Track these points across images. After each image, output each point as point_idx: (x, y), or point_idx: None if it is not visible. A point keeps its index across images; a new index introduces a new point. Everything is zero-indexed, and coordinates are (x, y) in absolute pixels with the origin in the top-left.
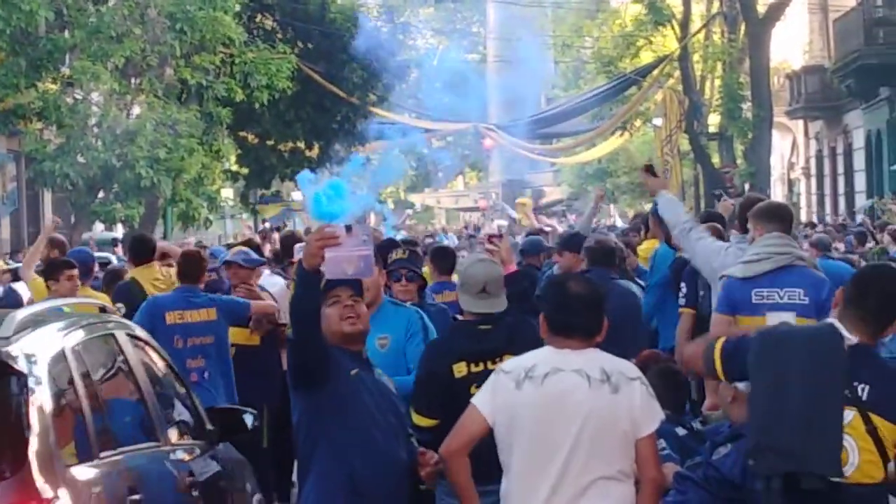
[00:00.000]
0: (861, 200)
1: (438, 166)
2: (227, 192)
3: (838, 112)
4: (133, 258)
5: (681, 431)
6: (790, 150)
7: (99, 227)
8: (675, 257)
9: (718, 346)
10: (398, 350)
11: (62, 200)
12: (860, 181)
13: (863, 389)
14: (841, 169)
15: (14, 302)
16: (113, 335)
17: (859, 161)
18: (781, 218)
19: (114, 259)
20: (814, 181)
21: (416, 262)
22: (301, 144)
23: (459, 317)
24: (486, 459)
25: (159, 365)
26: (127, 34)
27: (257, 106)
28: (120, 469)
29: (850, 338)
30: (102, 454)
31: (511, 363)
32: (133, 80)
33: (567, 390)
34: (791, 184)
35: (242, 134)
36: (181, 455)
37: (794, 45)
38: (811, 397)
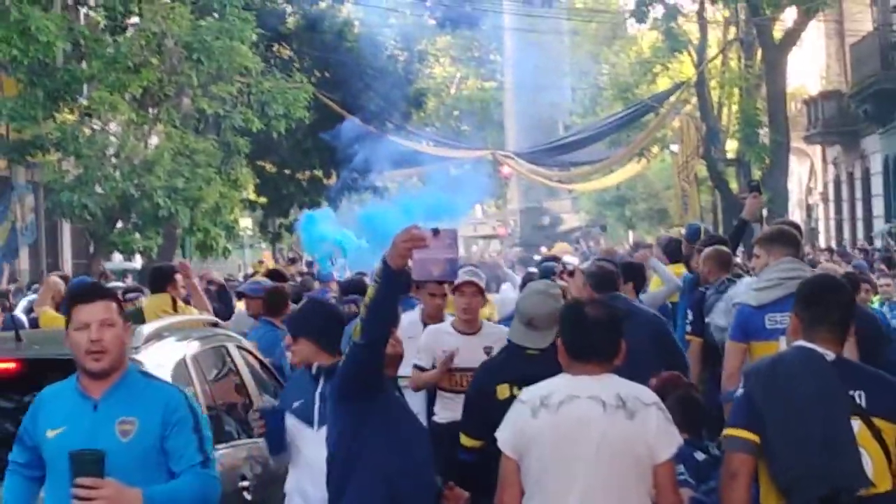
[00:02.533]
0: (879, 225)
1: (456, 195)
2: (246, 222)
3: (856, 137)
4: (149, 287)
5: (700, 456)
6: (808, 175)
7: (117, 257)
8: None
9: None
10: (149, 444)
11: (80, 231)
12: (878, 206)
13: (860, 396)
14: (859, 194)
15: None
16: (224, 346)
17: (877, 186)
18: (790, 242)
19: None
20: (832, 206)
21: None
22: (319, 173)
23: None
24: None
25: (263, 372)
26: (144, 64)
27: (275, 135)
28: (233, 459)
29: (828, 353)
30: (218, 446)
31: (527, 392)
32: (151, 110)
33: (582, 417)
34: (809, 209)
35: (260, 163)
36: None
37: (810, 70)
38: (823, 417)
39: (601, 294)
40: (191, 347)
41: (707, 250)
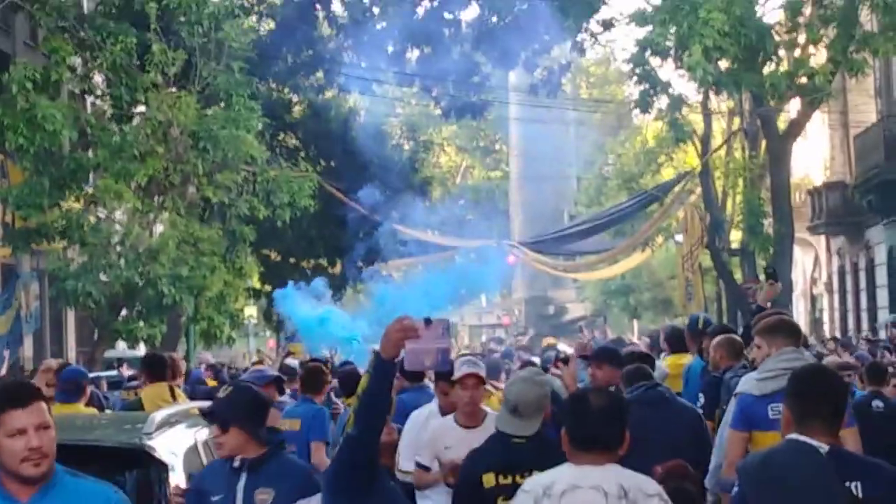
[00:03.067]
0: (884, 316)
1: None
2: (250, 310)
3: (860, 228)
4: (146, 377)
5: None
6: (812, 265)
7: (121, 345)
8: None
9: None
10: None
11: (85, 319)
12: (883, 296)
13: (856, 487)
14: (863, 284)
15: None
16: None
17: (882, 276)
18: (791, 332)
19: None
20: (836, 297)
21: None
22: (323, 262)
23: None
24: None
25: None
26: (150, 153)
27: (280, 224)
28: None
29: (822, 445)
30: None
31: (530, 482)
32: (156, 199)
33: None
34: (814, 299)
35: (265, 251)
36: None
37: (815, 161)
38: None
39: (636, 385)
40: (201, 434)
41: (718, 338)
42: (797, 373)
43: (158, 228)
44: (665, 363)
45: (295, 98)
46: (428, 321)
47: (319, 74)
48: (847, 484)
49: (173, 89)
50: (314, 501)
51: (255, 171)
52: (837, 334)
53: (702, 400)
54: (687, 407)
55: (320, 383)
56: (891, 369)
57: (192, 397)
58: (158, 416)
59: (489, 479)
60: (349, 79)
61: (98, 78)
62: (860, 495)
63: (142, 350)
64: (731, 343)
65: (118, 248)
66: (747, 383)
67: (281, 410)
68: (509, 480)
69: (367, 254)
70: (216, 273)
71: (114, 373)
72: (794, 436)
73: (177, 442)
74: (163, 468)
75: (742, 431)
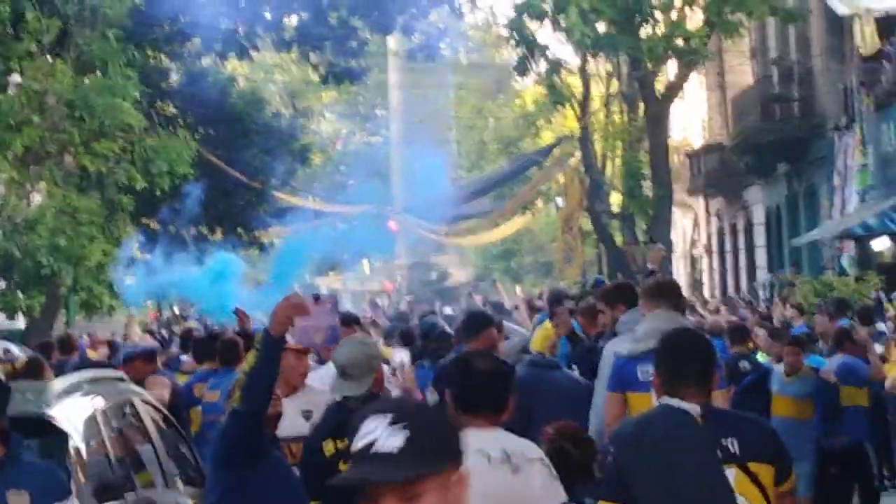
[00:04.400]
0: (762, 276)
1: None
2: (131, 280)
3: (738, 189)
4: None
5: None
6: (692, 227)
7: (0, 316)
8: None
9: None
10: None
11: None
12: (761, 257)
13: (732, 443)
14: (742, 245)
15: None
16: (131, 400)
17: (760, 237)
18: (668, 295)
19: (14, 349)
20: (716, 258)
21: None
22: (204, 230)
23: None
24: None
25: (164, 423)
26: (26, 122)
27: (159, 192)
28: None
29: (693, 406)
30: (126, 495)
31: None
32: (32, 168)
33: (466, 470)
34: (694, 261)
35: (144, 221)
36: (183, 497)
37: (693, 123)
38: (694, 476)
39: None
40: (98, 402)
41: (581, 304)
42: (664, 338)
43: (36, 199)
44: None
45: (172, 66)
46: (317, 297)
47: (196, 41)
48: (723, 441)
49: (48, 58)
50: None
51: (133, 139)
52: (718, 295)
53: (576, 371)
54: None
55: (237, 354)
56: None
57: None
58: (58, 385)
59: (328, 447)
60: (226, 45)
61: None
62: (737, 451)
63: (21, 322)
64: (592, 309)
65: None
66: (620, 344)
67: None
68: (345, 443)
69: (247, 221)
70: (95, 243)
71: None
72: (665, 400)
73: (76, 411)
74: (63, 436)
75: (616, 393)
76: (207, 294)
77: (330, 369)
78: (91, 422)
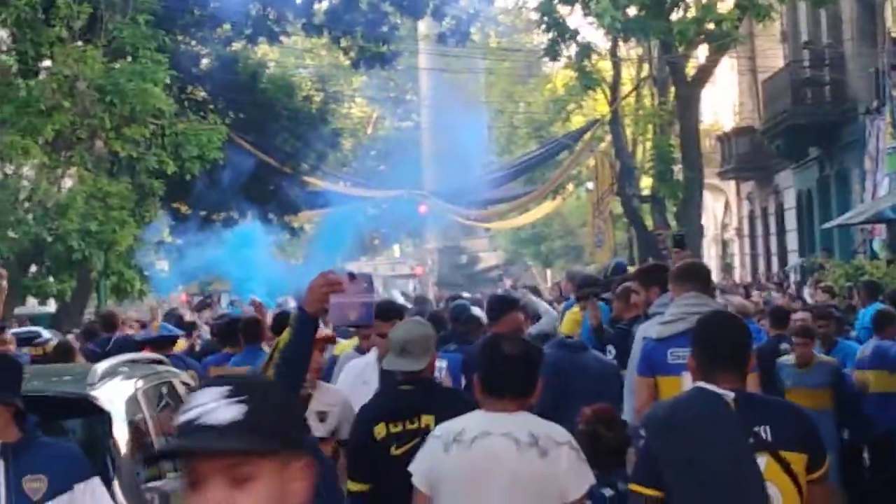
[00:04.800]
0: (793, 259)
1: (375, 234)
2: (162, 264)
3: (769, 172)
4: None
5: (608, 492)
6: (723, 210)
7: (31, 301)
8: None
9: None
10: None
11: None
12: (792, 240)
13: (765, 431)
14: (773, 229)
15: None
16: (170, 381)
17: (791, 221)
18: (697, 278)
19: (45, 333)
20: (747, 241)
21: None
22: (235, 214)
23: None
24: None
25: None
26: (56, 108)
27: (189, 177)
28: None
29: (727, 392)
30: (169, 474)
31: (442, 427)
32: (63, 154)
33: (495, 454)
34: (725, 244)
35: (175, 205)
36: None
37: (724, 106)
38: (725, 462)
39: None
40: (139, 384)
41: (619, 289)
42: (701, 321)
43: (67, 184)
44: (573, 310)
45: (203, 50)
46: (352, 275)
47: (227, 26)
48: (756, 428)
49: (79, 43)
50: (94, 485)
51: (164, 124)
52: (749, 279)
53: (612, 353)
54: (601, 357)
55: (260, 332)
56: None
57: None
58: (101, 367)
59: (380, 430)
60: (256, 30)
61: (2, 33)
62: (769, 438)
63: (52, 306)
64: (624, 293)
65: (26, 205)
66: (650, 328)
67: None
68: (399, 428)
69: (278, 205)
70: (126, 227)
71: (36, 328)
72: (699, 384)
73: (118, 392)
74: (106, 417)
75: (647, 377)
76: (234, 268)
77: (370, 359)
78: (132, 402)
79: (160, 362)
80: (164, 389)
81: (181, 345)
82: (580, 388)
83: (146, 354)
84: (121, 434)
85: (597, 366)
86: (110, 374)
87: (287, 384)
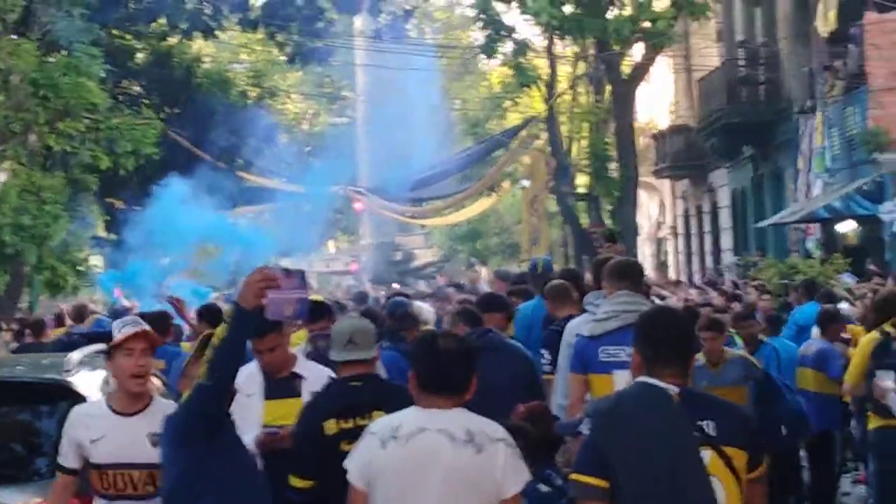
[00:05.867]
0: (728, 258)
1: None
2: (96, 259)
3: (704, 171)
4: None
5: (543, 488)
6: (658, 209)
7: None
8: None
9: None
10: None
11: None
12: (727, 239)
13: (709, 425)
14: (708, 227)
15: None
16: None
17: (725, 219)
18: (630, 276)
19: None
20: (681, 240)
21: None
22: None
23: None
24: None
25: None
26: None
27: (123, 172)
28: None
29: (671, 387)
30: None
31: (378, 423)
32: None
33: (430, 450)
34: (659, 243)
35: (109, 200)
36: None
37: (659, 105)
38: (670, 455)
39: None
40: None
41: (547, 286)
42: (644, 316)
43: (0, 178)
44: None
45: (138, 45)
46: (287, 271)
47: (162, 20)
48: (700, 422)
49: (13, 37)
50: None
51: (98, 118)
52: (683, 277)
53: (546, 356)
54: (518, 352)
55: (167, 327)
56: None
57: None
58: (75, 356)
59: (330, 426)
60: (192, 24)
61: None
62: (713, 433)
63: None
64: (553, 290)
65: None
66: (582, 325)
67: None
68: (350, 424)
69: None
70: (59, 222)
71: None
72: (643, 378)
73: (92, 379)
74: (82, 402)
75: (579, 374)
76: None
77: (252, 368)
78: (105, 388)
79: None
80: None
81: None
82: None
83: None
84: None
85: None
86: (84, 362)
87: (221, 379)
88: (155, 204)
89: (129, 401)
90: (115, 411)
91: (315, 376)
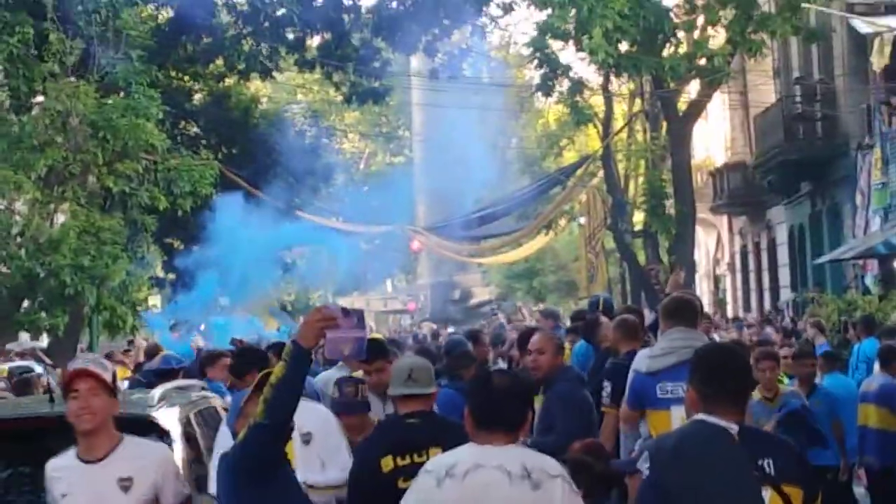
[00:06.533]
0: (786, 295)
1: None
2: (155, 300)
3: (761, 207)
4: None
5: None
6: (715, 245)
7: (24, 336)
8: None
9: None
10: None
11: None
12: (784, 276)
13: (768, 465)
14: (765, 264)
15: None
16: (212, 405)
17: (783, 255)
18: (684, 312)
19: (37, 368)
20: (739, 276)
21: None
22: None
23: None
24: None
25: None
26: (49, 143)
27: (181, 213)
28: None
29: (731, 425)
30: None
31: (433, 462)
32: (56, 189)
33: (487, 487)
34: (717, 279)
35: (168, 240)
36: None
37: (716, 141)
38: (733, 495)
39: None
40: (187, 410)
41: (618, 320)
42: (700, 352)
43: (59, 219)
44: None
45: (195, 86)
46: (345, 311)
47: (219, 62)
48: (759, 461)
49: (72, 79)
50: None
51: (156, 159)
52: (741, 314)
53: (608, 388)
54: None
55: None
56: (784, 349)
57: None
58: (157, 391)
59: (387, 463)
60: (249, 65)
61: None
62: (772, 472)
63: (45, 341)
64: (623, 324)
65: (18, 239)
66: (640, 361)
67: None
68: (408, 461)
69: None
70: (118, 263)
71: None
72: (701, 416)
73: (174, 413)
74: (166, 435)
75: (635, 410)
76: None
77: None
78: (186, 423)
79: (203, 388)
80: (209, 412)
81: None
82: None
83: (191, 382)
84: (179, 452)
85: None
86: (166, 397)
87: (278, 417)
88: (214, 235)
89: (90, 446)
90: (81, 459)
91: (306, 417)
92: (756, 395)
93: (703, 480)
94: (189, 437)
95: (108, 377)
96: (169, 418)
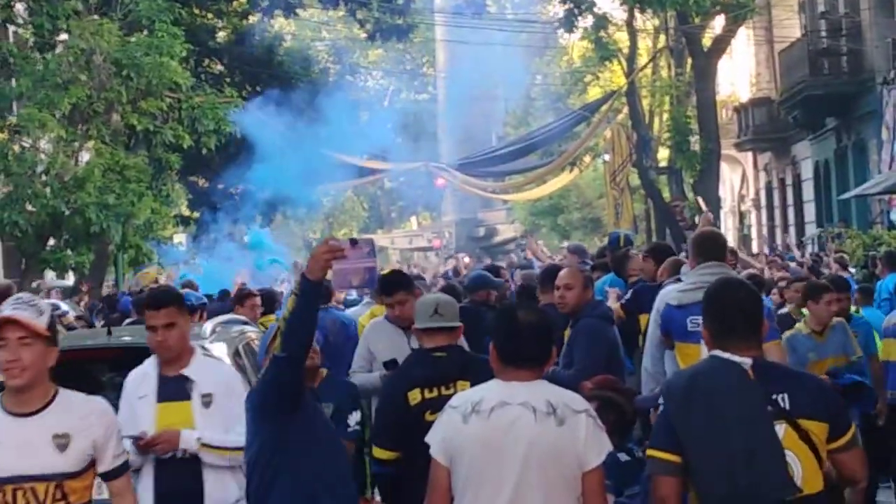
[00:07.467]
0: (811, 230)
1: (391, 207)
2: (179, 237)
3: (786, 143)
4: None
5: (623, 458)
6: (740, 182)
7: (49, 274)
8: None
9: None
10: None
11: (12, 249)
12: (809, 212)
13: (783, 399)
14: (790, 200)
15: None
16: (252, 338)
17: (808, 192)
18: (714, 247)
19: (63, 306)
20: (764, 213)
21: None
22: (252, 187)
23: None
24: None
25: None
26: (73, 81)
27: (205, 150)
28: None
29: (744, 360)
30: None
31: (459, 398)
32: (80, 127)
33: (513, 423)
34: (742, 216)
35: (192, 178)
36: None
37: (741, 77)
38: (744, 431)
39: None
40: (236, 342)
41: (668, 260)
42: (708, 290)
43: (84, 157)
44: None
45: (219, 23)
46: (354, 241)
47: None
48: (774, 396)
49: (95, 17)
50: None
51: (180, 97)
52: (766, 250)
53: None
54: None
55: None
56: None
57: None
58: (209, 325)
59: (415, 395)
60: (273, 3)
61: (19, 6)
62: (787, 406)
63: (70, 279)
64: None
65: (44, 178)
66: (669, 294)
67: None
68: (435, 394)
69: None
70: (143, 201)
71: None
72: (716, 352)
73: (224, 347)
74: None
75: (664, 335)
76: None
77: (147, 368)
78: (236, 355)
79: (245, 322)
80: (250, 347)
81: None
82: None
83: (235, 316)
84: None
85: None
86: (215, 332)
87: (294, 350)
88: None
89: (20, 399)
90: (8, 412)
91: (207, 378)
92: (803, 328)
93: (714, 416)
94: (239, 368)
95: (41, 323)
96: (221, 350)
